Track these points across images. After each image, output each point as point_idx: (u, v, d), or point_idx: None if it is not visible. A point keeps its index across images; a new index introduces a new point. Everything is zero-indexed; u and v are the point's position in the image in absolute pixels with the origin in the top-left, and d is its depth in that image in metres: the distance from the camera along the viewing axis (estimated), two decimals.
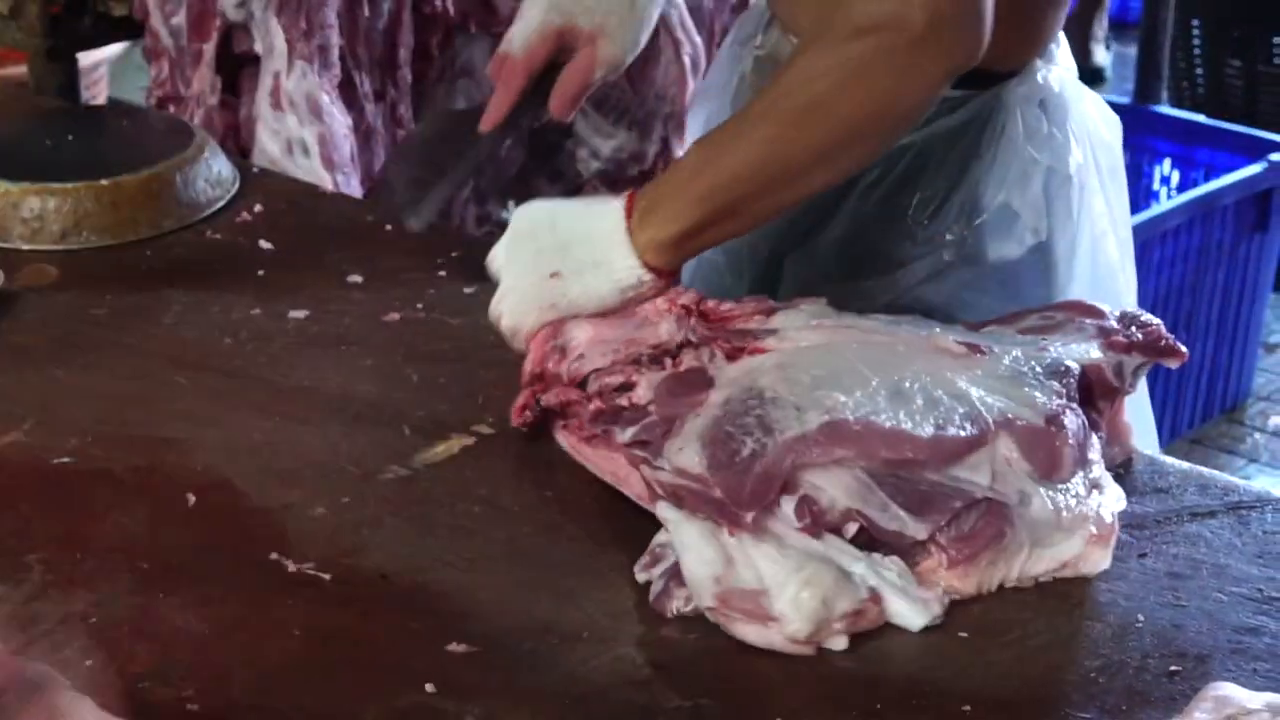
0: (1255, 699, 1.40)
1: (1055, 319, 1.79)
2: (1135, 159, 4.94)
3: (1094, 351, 1.75)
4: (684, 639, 1.57)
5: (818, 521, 1.58)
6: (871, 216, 2.16)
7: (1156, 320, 1.79)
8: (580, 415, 1.78)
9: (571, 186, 3.31)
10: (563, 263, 1.87)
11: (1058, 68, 2.16)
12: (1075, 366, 1.71)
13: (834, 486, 1.59)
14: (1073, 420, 1.65)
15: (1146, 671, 1.52)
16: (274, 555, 1.67)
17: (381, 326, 2.08)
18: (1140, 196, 4.92)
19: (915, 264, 2.15)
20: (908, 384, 1.63)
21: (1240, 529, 1.70)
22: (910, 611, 1.58)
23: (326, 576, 1.64)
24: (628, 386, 1.77)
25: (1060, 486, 1.63)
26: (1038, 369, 1.69)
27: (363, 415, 1.91)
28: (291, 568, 1.65)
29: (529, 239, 1.90)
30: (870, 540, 1.60)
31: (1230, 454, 4.63)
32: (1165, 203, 4.58)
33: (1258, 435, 4.73)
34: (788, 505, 1.59)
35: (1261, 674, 1.51)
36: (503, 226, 3.14)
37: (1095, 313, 1.79)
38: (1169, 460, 1.82)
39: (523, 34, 2.09)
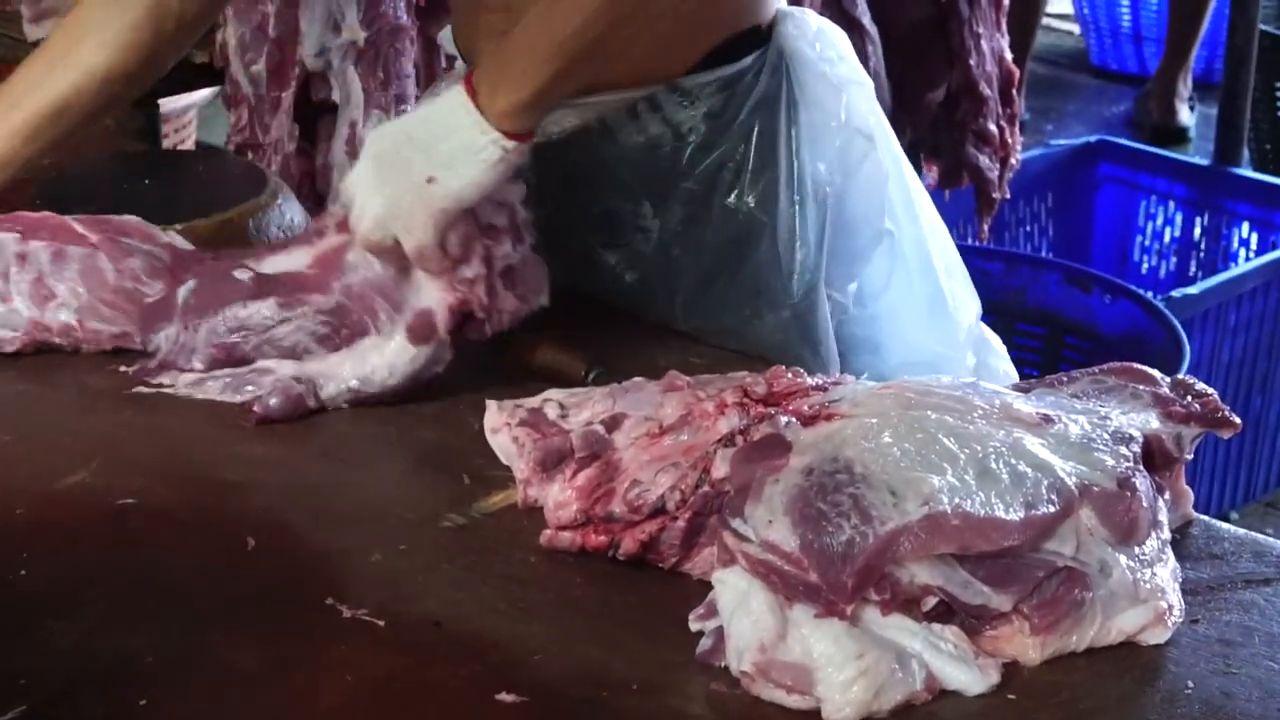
0: None
1: (1107, 383, 1.79)
2: (1214, 221, 4.92)
3: (1153, 421, 1.75)
4: (732, 694, 1.57)
5: (897, 598, 1.58)
6: (717, 204, 2.26)
7: (1211, 390, 1.79)
8: (669, 541, 1.74)
9: None
10: (432, 165, 1.96)
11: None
12: (1139, 435, 1.71)
13: (917, 565, 1.58)
14: (1143, 483, 1.66)
15: None
16: (329, 600, 1.68)
17: (444, 374, 2.09)
18: (1219, 258, 4.90)
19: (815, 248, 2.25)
20: (992, 460, 1.62)
21: None
22: (968, 679, 1.58)
23: (380, 622, 1.66)
24: (704, 475, 1.74)
25: (1137, 554, 1.64)
26: (1105, 436, 1.69)
27: (422, 462, 1.93)
28: (346, 613, 1.67)
29: (392, 156, 1.98)
30: (946, 608, 1.60)
31: None
32: (1243, 264, 4.56)
33: None
34: None
35: None
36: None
37: (1147, 379, 1.79)
38: (1225, 526, 1.81)
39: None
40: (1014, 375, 2.42)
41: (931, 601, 1.59)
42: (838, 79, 2.27)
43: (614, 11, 1.96)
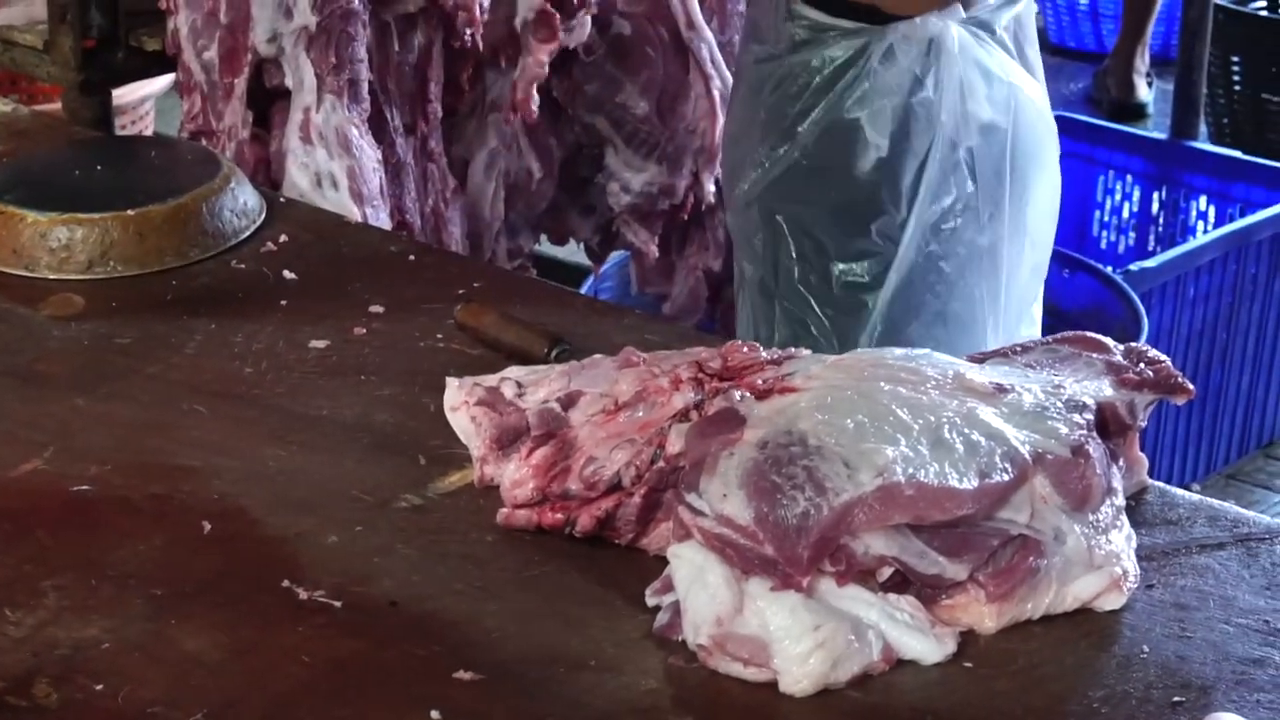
0: None
1: (1061, 352, 1.80)
2: (1172, 195, 4.93)
3: (1107, 389, 1.75)
4: (689, 668, 1.57)
5: (852, 569, 1.58)
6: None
7: (1164, 357, 1.80)
8: (625, 517, 1.73)
9: (603, 220, 3.33)
10: None
11: (948, 20, 2.54)
12: (1092, 403, 1.72)
13: (872, 536, 1.58)
14: (1097, 449, 1.67)
15: (1150, 702, 1.52)
16: (286, 583, 1.68)
17: (401, 356, 2.09)
18: (1177, 232, 4.92)
19: (769, 167, 2.56)
20: (946, 430, 1.62)
21: (1249, 561, 1.70)
22: (924, 648, 1.58)
23: (337, 604, 1.66)
24: (659, 451, 1.73)
25: (1092, 521, 1.64)
26: (1058, 404, 1.70)
27: (379, 444, 1.92)
28: (303, 595, 1.67)
29: None
30: (902, 578, 1.61)
31: (1266, 489, 4.62)
32: (1200, 237, 4.57)
33: None
34: None
35: (1265, 705, 1.51)
36: (535, 260, 3.19)
37: (1100, 347, 1.80)
38: (1179, 492, 1.82)
39: None
40: None
41: (887, 572, 1.60)
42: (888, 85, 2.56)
43: None
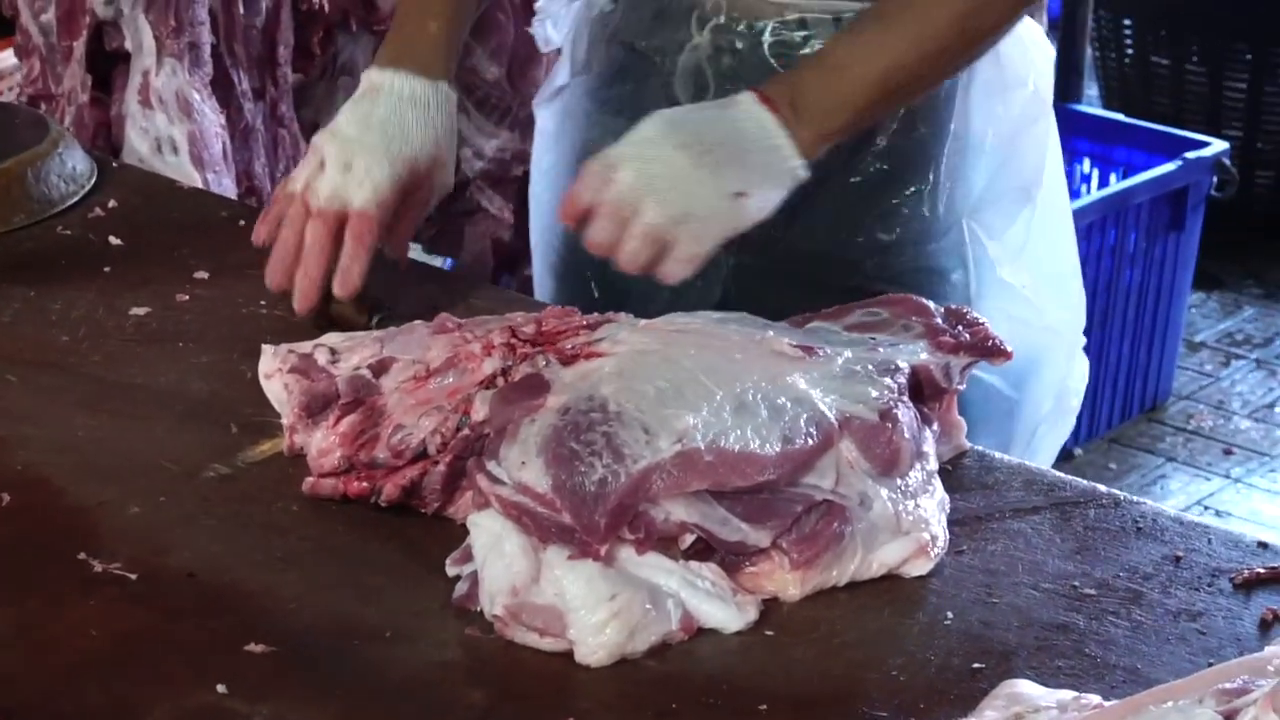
0: (1048, 696, 1.39)
1: (881, 316, 1.77)
2: None
3: (922, 352, 1.73)
4: (485, 638, 1.54)
5: (652, 537, 1.55)
6: None
7: (984, 319, 1.77)
8: (430, 485, 1.70)
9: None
10: (745, 180, 1.85)
11: None
12: (905, 365, 1.69)
13: (673, 503, 1.56)
14: (905, 414, 1.65)
15: (949, 669, 1.50)
16: (81, 555, 1.64)
17: (222, 323, 2.05)
18: None
19: None
20: (750, 395, 1.60)
21: (1061, 525, 1.68)
22: (725, 616, 1.55)
23: (132, 576, 1.61)
24: (465, 418, 1.70)
25: (900, 486, 1.62)
26: (869, 367, 1.67)
27: (191, 412, 1.88)
28: (97, 567, 1.63)
29: (694, 148, 1.85)
30: (705, 546, 1.58)
31: (1149, 453, 4.61)
32: (1081, 199, 4.56)
33: (1178, 435, 4.71)
34: None
35: (1065, 671, 1.49)
36: None
37: (922, 310, 1.78)
38: (998, 456, 1.80)
39: (367, 190, 2.03)
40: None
41: (690, 539, 1.57)
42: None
43: (964, 34, 1.90)
